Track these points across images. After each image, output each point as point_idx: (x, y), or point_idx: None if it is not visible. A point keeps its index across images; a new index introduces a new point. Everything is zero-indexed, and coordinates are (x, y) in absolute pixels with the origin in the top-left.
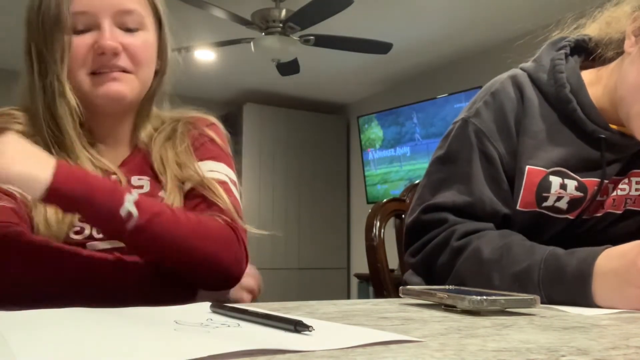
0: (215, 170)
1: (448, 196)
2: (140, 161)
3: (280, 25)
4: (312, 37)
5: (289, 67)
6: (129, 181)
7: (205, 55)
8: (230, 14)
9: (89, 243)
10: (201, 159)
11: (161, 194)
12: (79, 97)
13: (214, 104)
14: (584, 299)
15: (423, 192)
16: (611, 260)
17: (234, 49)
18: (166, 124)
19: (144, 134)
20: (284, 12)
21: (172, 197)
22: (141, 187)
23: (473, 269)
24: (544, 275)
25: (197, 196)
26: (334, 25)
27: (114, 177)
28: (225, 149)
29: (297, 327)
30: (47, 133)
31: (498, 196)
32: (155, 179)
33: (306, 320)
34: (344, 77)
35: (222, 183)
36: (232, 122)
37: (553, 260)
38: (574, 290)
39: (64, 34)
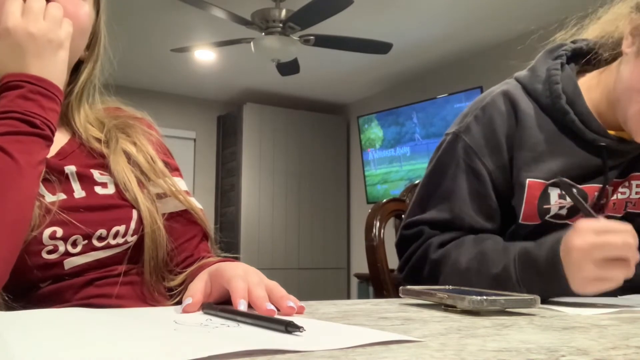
0: (189, 192)
1: (431, 214)
2: (83, 153)
3: (280, 25)
4: (312, 37)
5: (289, 67)
6: (90, 176)
7: (205, 55)
8: (230, 14)
9: (66, 260)
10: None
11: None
12: None
13: (214, 104)
14: (560, 284)
15: (412, 208)
16: (564, 244)
17: (234, 49)
18: (109, 118)
19: (79, 120)
20: (284, 12)
21: (144, 206)
22: (104, 184)
23: (454, 281)
24: (520, 271)
25: (190, 222)
26: (334, 25)
27: (68, 168)
28: (172, 157)
29: (288, 327)
30: None
31: (480, 213)
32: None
33: (305, 321)
34: (344, 77)
35: (201, 210)
36: (232, 122)
37: (525, 255)
38: (549, 278)
39: None
